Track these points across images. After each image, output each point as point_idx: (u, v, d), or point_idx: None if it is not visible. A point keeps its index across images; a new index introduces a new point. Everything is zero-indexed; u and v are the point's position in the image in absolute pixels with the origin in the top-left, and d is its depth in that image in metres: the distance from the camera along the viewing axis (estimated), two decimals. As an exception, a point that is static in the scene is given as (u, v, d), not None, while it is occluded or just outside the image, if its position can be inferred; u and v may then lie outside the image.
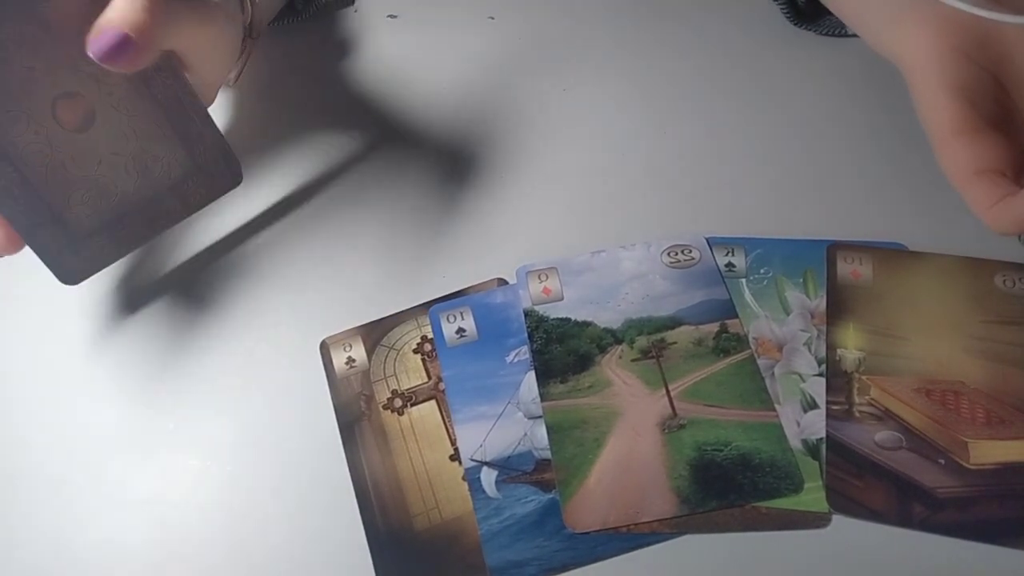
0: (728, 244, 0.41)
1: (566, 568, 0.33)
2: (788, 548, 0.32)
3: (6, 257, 0.43)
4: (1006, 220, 0.31)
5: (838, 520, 0.33)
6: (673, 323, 0.39)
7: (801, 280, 0.39)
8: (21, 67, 0.33)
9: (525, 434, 0.36)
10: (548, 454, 0.35)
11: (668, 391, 0.37)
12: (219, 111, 0.50)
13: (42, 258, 0.37)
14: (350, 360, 0.39)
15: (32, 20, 0.32)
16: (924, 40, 0.33)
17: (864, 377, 0.36)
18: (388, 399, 0.38)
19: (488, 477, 0.35)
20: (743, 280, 0.40)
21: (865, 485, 0.33)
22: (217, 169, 0.41)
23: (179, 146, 0.39)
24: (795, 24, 0.50)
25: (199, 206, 0.41)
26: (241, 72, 0.50)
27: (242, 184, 0.44)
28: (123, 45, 0.32)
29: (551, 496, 0.34)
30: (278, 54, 0.53)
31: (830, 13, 0.47)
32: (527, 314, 0.39)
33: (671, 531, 0.33)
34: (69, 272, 0.38)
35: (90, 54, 0.33)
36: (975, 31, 0.33)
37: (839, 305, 0.38)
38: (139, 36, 0.33)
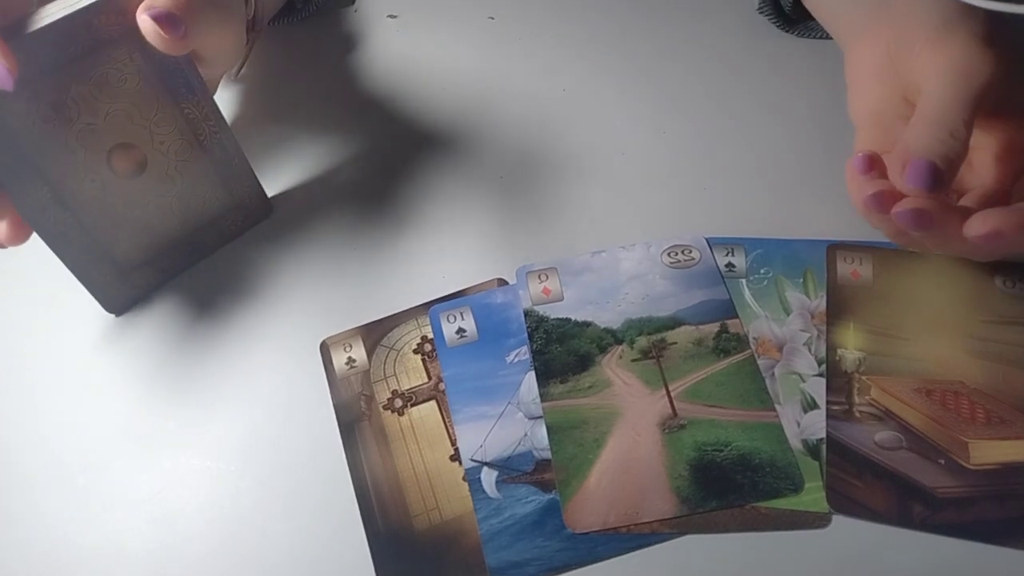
0: (728, 244, 0.41)
1: (566, 568, 0.33)
2: (788, 548, 0.32)
3: (10, 263, 0.44)
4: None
5: (838, 520, 0.33)
6: (673, 323, 0.39)
7: (801, 280, 0.39)
8: (82, 123, 0.35)
9: (525, 434, 0.36)
10: (548, 454, 0.35)
11: (668, 391, 0.37)
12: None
13: (92, 292, 0.39)
14: (350, 360, 0.39)
15: (94, 82, 0.35)
16: (852, 67, 0.40)
17: (864, 377, 0.36)
18: (388, 399, 0.38)
19: (488, 477, 0.35)
20: (743, 280, 0.40)
21: (865, 485, 0.33)
22: (251, 203, 0.43)
23: (219, 186, 0.41)
24: (785, 30, 0.50)
25: (233, 236, 0.44)
26: (242, 66, 0.50)
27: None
28: (170, 18, 0.34)
29: (551, 496, 0.34)
30: (279, 54, 0.53)
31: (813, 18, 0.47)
32: (527, 314, 0.39)
33: (671, 531, 0.33)
34: (116, 303, 0.41)
35: (143, 19, 0.34)
36: (886, 59, 0.37)
37: (839, 305, 0.38)
38: (182, 12, 0.34)
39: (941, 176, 0.31)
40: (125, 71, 0.35)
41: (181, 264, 0.43)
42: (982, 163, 0.36)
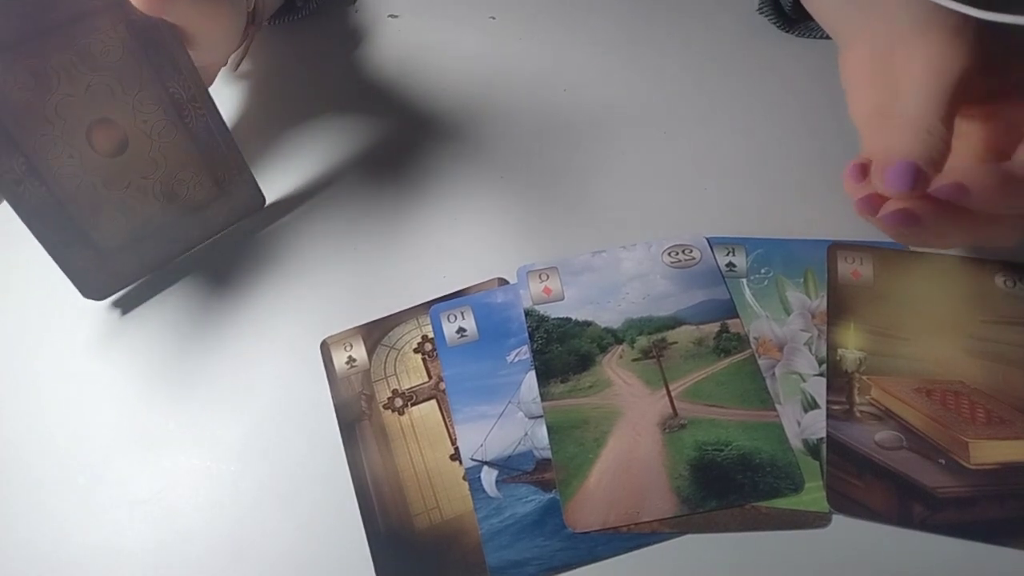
0: (729, 244, 0.41)
1: (566, 568, 0.33)
2: (788, 548, 0.32)
3: (7, 261, 0.44)
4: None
5: (838, 520, 0.33)
6: (674, 323, 0.39)
7: (802, 280, 0.39)
8: (61, 94, 0.34)
9: (525, 434, 0.36)
10: (548, 454, 0.35)
11: (668, 391, 0.37)
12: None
13: (68, 274, 0.38)
14: (351, 360, 0.39)
15: (76, 51, 0.34)
16: (847, 68, 0.39)
17: (864, 377, 0.36)
18: (389, 399, 0.38)
19: (488, 477, 0.35)
20: (744, 280, 0.40)
21: (865, 485, 0.33)
22: (240, 193, 0.42)
23: (205, 172, 0.40)
24: (784, 30, 0.50)
25: (220, 228, 0.43)
26: (242, 60, 0.50)
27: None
28: None
29: (551, 496, 0.34)
30: (280, 52, 0.53)
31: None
32: (528, 314, 0.39)
33: (671, 531, 0.33)
34: (93, 288, 0.40)
35: None
36: (882, 57, 0.37)
37: (839, 305, 0.38)
38: None
39: (920, 174, 0.31)
40: (109, 42, 0.35)
41: (164, 253, 0.41)
42: (972, 150, 0.36)
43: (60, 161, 0.36)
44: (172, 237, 0.41)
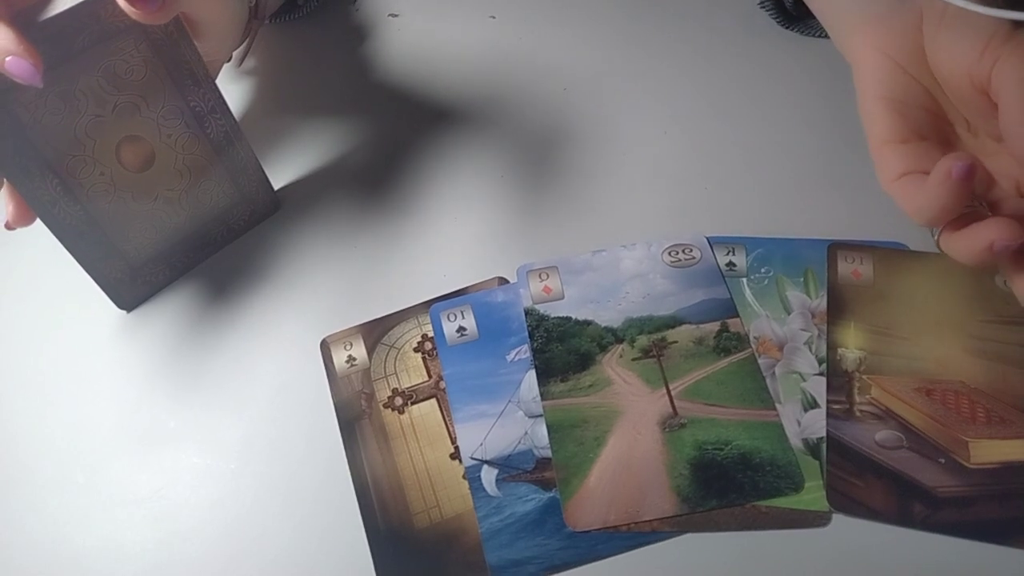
0: (729, 243, 0.41)
1: (566, 566, 0.33)
2: (788, 547, 0.32)
3: (5, 261, 0.44)
4: (915, 203, 0.32)
5: (838, 519, 0.33)
6: (674, 322, 0.39)
7: (802, 279, 0.39)
8: (90, 115, 0.35)
9: (525, 433, 0.36)
10: (548, 453, 0.35)
11: (669, 390, 0.37)
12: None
13: (103, 287, 0.40)
14: (351, 358, 0.39)
15: (102, 72, 0.35)
16: (868, 53, 0.36)
17: (865, 376, 0.36)
18: (389, 397, 0.38)
19: (488, 476, 0.35)
20: (744, 279, 0.40)
21: (865, 484, 0.33)
22: (258, 197, 0.43)
23: (227, 180, 0.41)
24: (785, 27, 0.50)
25: (242, 231, 0.44)
26: (245, 56, 0.50)
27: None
28: None
29: (551, 495, 0.34)
30: (282, 50, 0.53)
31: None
32: (528, 313, 0.39)
33: (671, 530, 0.33)
34: (126, 299, 0.41)
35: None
36: (913, 46, 0.34)
37: (840, 305, 0.38)
38: None
39: None
40: (132, 62, 0.35)
41: (190, 260, 0.43)
42: (1006, 171, 0.34)
43: (92, 180, 0.37)
44: (199, 244, 0.42)
